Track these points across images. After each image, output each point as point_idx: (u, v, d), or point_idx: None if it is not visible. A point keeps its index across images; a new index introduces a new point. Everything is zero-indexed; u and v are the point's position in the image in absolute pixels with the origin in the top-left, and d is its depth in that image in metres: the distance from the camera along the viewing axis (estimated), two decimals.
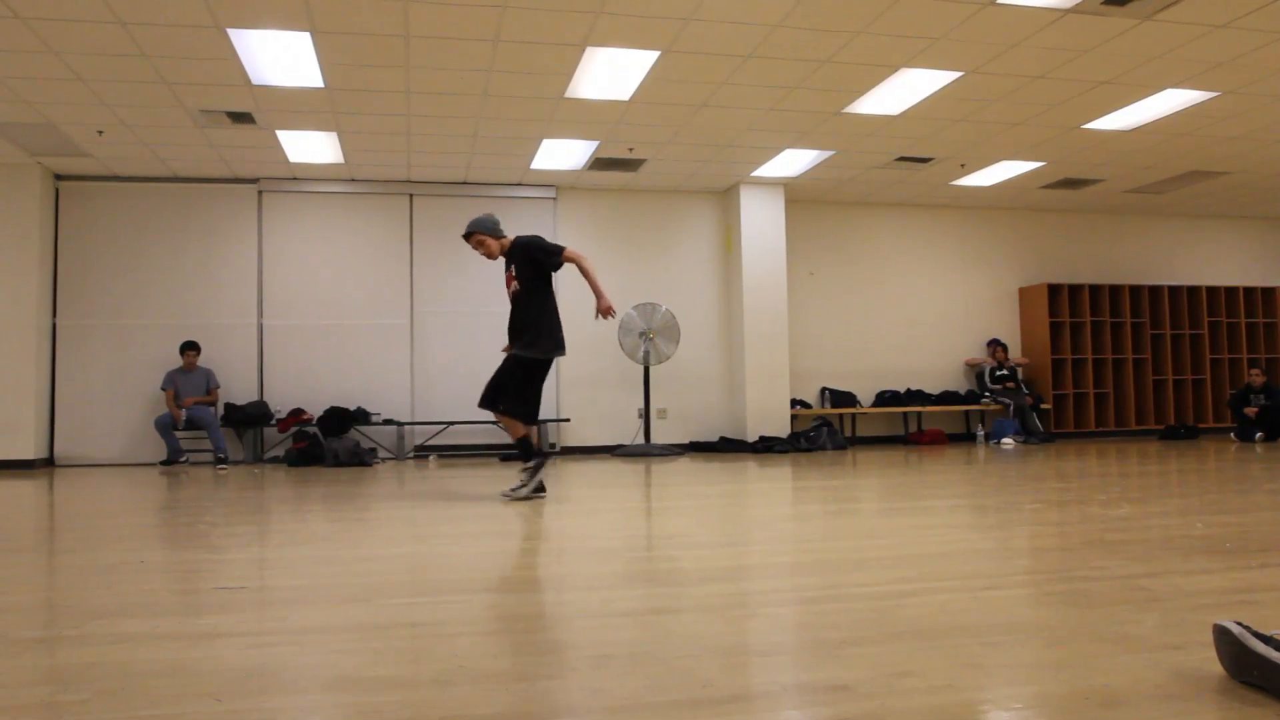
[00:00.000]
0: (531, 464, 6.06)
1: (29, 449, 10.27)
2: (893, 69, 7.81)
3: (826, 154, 10.45)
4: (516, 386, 6.03)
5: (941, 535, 4.33)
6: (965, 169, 11.05)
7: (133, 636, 2.56)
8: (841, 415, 12.29)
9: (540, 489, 6.04)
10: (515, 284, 6.11)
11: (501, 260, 6.25)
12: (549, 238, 11.64)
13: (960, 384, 13.00)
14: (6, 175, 10.34)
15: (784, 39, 7.20)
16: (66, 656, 2.38)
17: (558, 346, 6.07)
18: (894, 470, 8.20)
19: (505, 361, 6.17)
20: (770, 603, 2.94)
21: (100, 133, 9.33)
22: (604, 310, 6.06)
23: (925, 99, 8.51)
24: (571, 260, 6.04)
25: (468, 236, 6.18)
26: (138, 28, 6.86)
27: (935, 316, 13.00)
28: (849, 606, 2.79)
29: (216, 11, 6.62)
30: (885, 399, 12.53)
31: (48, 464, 10.65)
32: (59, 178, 10.88)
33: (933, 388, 12.80)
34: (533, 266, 6.07)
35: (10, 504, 6.61)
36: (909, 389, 12.66)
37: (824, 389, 12.43)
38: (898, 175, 11.33)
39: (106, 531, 4.91)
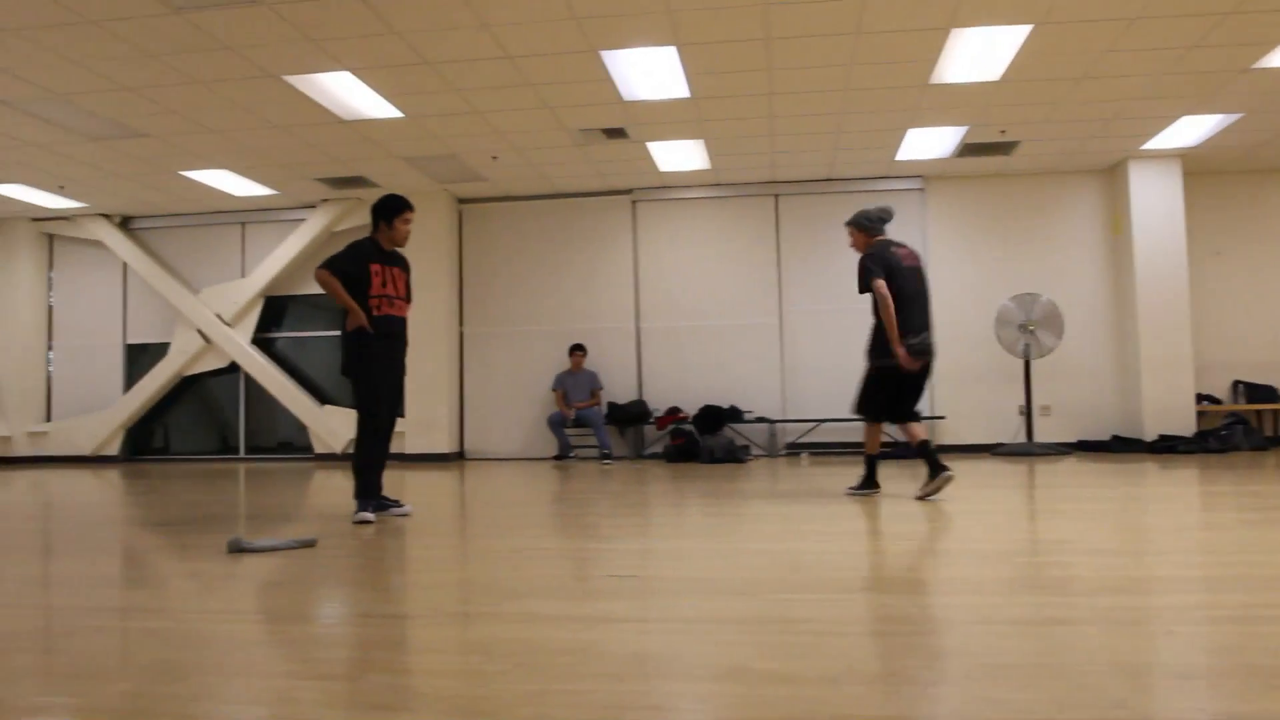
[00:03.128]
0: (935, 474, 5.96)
1: (444, 444, 11.57)
2: None
3: (1232, 118, 9.31)
4: (864, 395, 6.19)
5: None
6: None
7: (540, 616, 2.78)
8: (1260, 411, 10.89)
9: (875, 485, 6.27)
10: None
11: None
12: (917, 230, 11.49)
13: None
14: (422, 202, 11.71)
15: None
16: (485, 631, 2.63)
17: (882, 355, 5.97)
18: None
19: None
20: (1184, 620, 2.65)
21: (494, 158, 10.31)
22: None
23: None
24: (877, 298, 5.93)
25: (847, 225, 6.29)
26: (523, 60, 7.49)
27: None
28: None
29: (590, 36, 7.08)
30: None
31: (459, 457, 11.92)
32: (461, 201, 12.16)
33: None
34: (860, 280, 6.05)
35: (433, 492, 7.44)
36: None
37: (1236, 382, 11.08)
38: None
39: (511, 519, 5.40)
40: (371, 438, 5.55)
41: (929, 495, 5.92)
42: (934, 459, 5.90)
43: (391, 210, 5.65)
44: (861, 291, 6.03)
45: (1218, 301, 11.17)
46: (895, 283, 5.93)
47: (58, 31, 6.78)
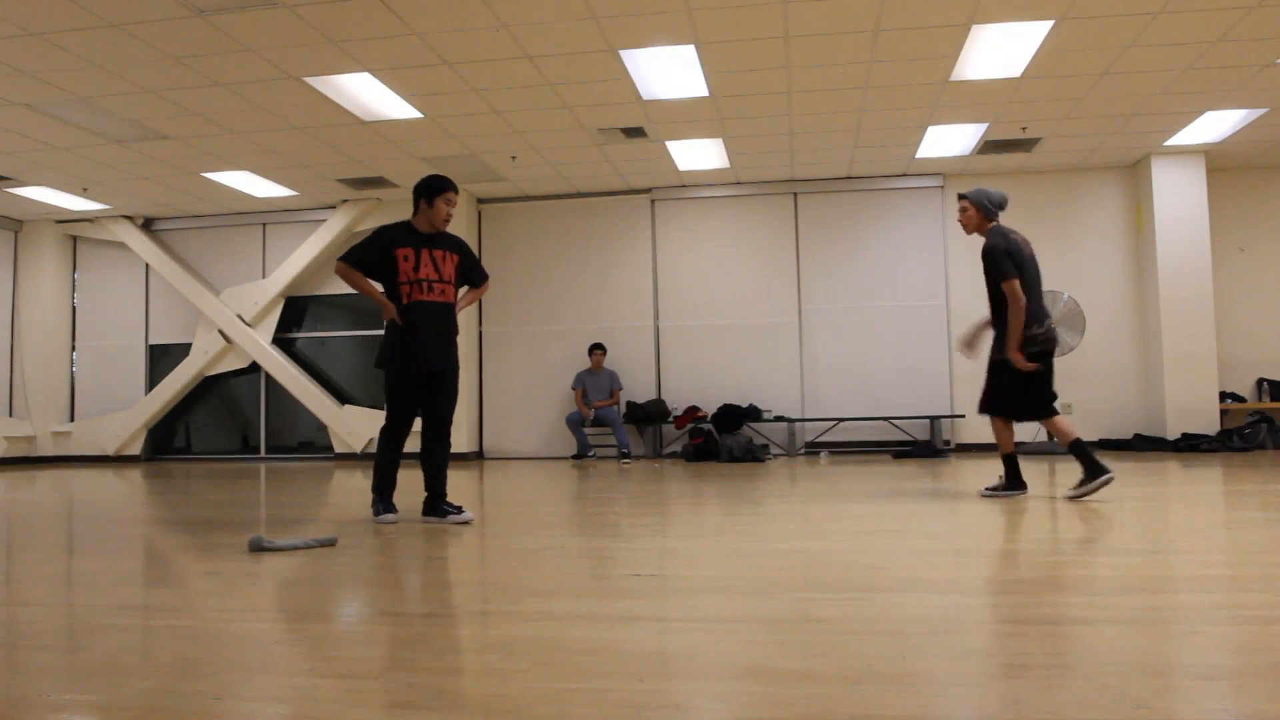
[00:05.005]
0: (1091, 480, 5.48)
1: (463, 443, 11.59)
2: None
3: (1257, 112, 9.24)
4: (1005, 389, 5.66)
5: None
6: None
7: (560, 615, 2.78)
8: None
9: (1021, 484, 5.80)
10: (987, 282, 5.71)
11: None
12: (937, 228, 11.44)
13: None
14: None
15: None
16: (505, 629, 2.63)
17: (1040, 340, 5.54)
18: None
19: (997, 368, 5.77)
20: (1208, 620, 2.63)
21: (513, 158, 10.32)
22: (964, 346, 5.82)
23: None
24: (1009, 299, 5.51)
25: (961, 197, 5.85)
26: (542, 59, 7.50)
27: None
28: None
29: (609, 35, 7.08)
30: None
31: (478, 456, 11.95)
32: (480, 201, 12.18)
33: None
34: (990, 272, 5.63)
35: (452, 492, 7.42)
36: None
37: (1261, 380, 10.99)
38: None
39: (530, 518, 5.41)
40: (391, 434, 5.26)
41: (1082, 496, 5.53)
42: (1090, 458, 5.50)
43: (433, 189, 5.20)
44: (994, 282, 5.62)
45: (1242, 299, 11.07)
46: (1024, 274, 5.58)
47: (81, 35, 6.84)
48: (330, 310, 12.91)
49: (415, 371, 5.23)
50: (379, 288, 5.27)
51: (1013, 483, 5.82)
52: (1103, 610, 2.71)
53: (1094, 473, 5.45)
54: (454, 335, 5.37)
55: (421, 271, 5.18)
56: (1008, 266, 5.52)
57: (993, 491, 5.86)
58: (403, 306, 5.16)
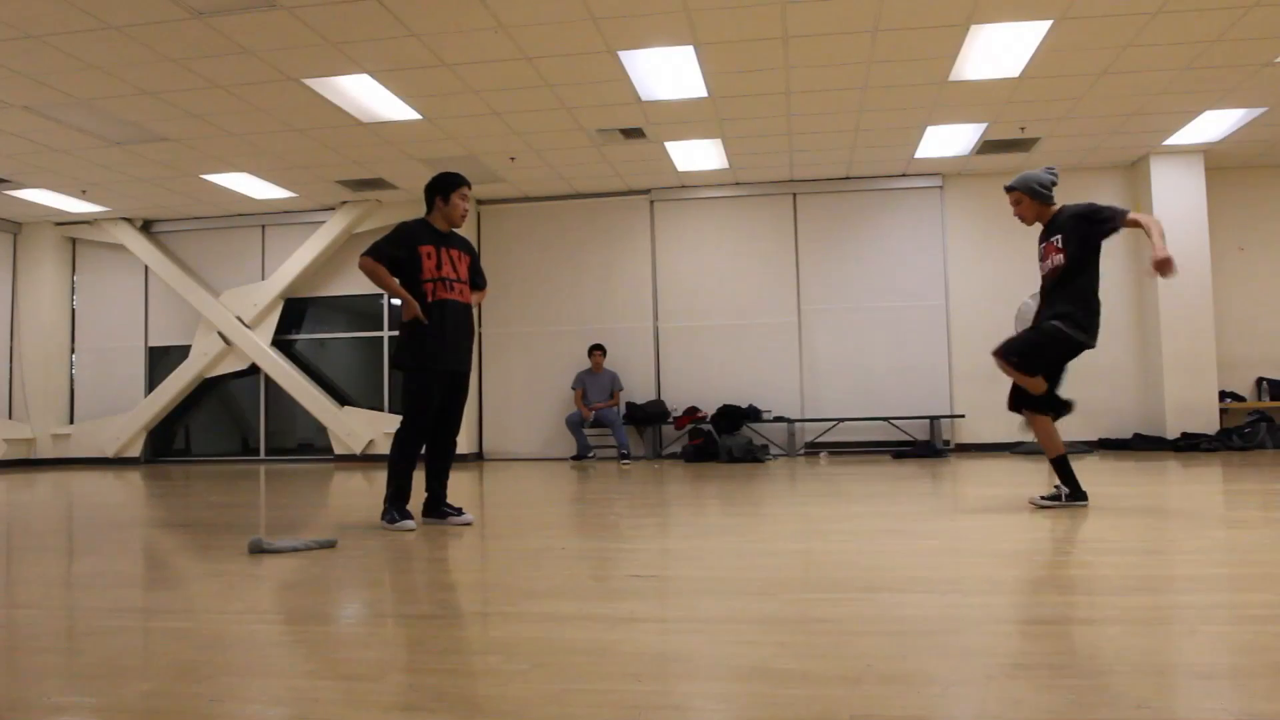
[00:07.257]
0: (1064, 490, 5.20)
1: (463, 444, 11.55)
2: None
3: (1256, 112, 9.24)
4: (1031, 346, 5.34)
5: None
6: None
7: (560, 616, 2.78)
8: None
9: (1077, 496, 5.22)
10: (1059, 257, 5.12)
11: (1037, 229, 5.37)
12: (936, 228, 11.45)
13: None
14: None
15: None
16: (506, 631, 2.64)
17: (1092, 333, 5.20)
18: None
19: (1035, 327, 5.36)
20: (1209, 619, 2.62)
21: (512, 159, 10.32)
22: (1158, 265, 4.73)
23: None
24: (1133, 224, 4.93)
25: (1009, 190, 5.33)
26: (541, 60, 7.51)
27: None
28: None
29: (607, 36, 7.08)
30: None
31: (478, 458, 11.95)
32: (479, 202, 12.18)
33: None
34: (1083, 237, 5.06)
35: (452, 493, 7.42)
36: None
37: (1260, 379, 10.98)
38: None
39: (530, 519, 5.41)
40: (412, 438, 5.09)
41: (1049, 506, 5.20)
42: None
43: (449, 185, 5.13)
44: (1073, 253, 5.05)
45: (1241, 298, 11.07)
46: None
47: (80, 37, 6.84)
48: (329, 312, 12.90)
49: (444, 372, 5.12)
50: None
51: (1074, 492, 5.20)
52: (1103, 610, 2.71)
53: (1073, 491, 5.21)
54: (474, 335, 5.35)
55: (444, 269, 5.11)
56: (1111, 210, 5.00)
57: (1049, 502, 5.21)
58: (428, 305, 5.05)
